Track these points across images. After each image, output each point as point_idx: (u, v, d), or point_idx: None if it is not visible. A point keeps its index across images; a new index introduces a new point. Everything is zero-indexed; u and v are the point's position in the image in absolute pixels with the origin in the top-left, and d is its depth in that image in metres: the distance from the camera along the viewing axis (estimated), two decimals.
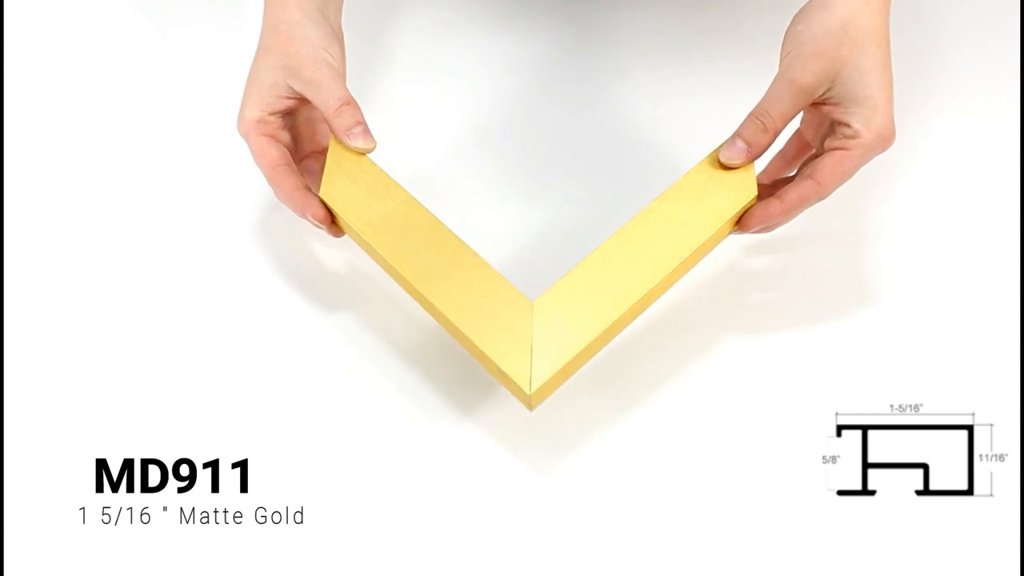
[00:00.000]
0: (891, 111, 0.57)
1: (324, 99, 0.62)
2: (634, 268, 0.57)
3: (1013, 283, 0.67)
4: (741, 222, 0.60)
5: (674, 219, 0.59)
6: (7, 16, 0.83)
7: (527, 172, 0.74)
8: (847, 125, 0.58)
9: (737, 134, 0.60)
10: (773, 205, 0.59)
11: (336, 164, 0.62)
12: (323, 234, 0.63)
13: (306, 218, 0.62)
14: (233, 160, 0.68)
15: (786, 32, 0.60)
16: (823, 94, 0.58)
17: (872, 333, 0.64)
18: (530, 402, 0.55)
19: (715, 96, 0.77)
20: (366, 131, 0.62)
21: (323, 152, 0.65)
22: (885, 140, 0.58)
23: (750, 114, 0.60)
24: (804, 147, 0.64)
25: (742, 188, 0.60)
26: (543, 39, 0.83)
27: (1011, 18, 0.84)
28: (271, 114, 0.63)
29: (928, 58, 0.82)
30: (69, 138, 0.76)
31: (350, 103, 0.62)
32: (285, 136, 0.65)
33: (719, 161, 0.60)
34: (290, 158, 0.64)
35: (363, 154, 0.63)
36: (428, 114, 0.78)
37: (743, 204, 0.59)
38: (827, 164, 0.58)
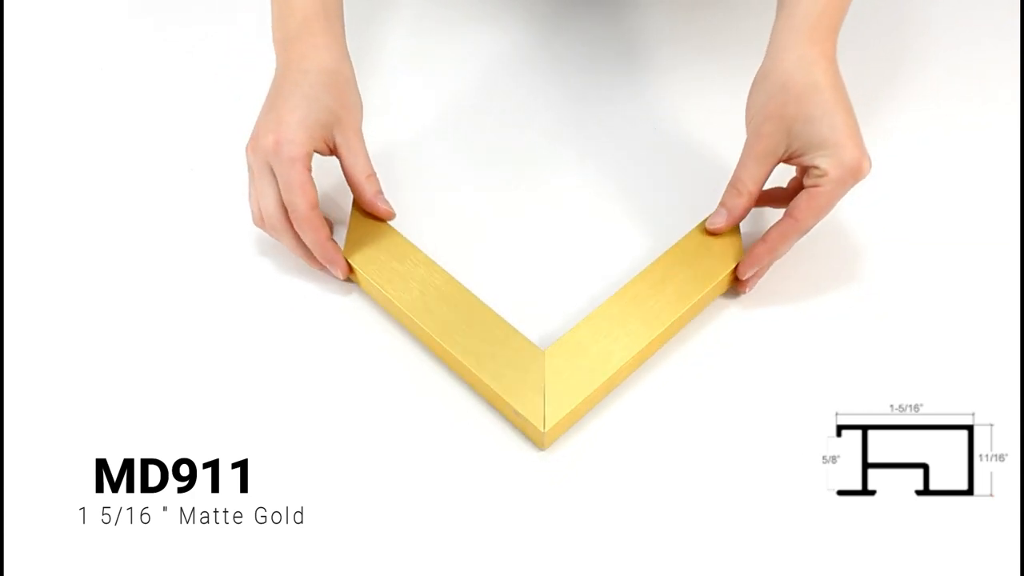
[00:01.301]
0: (858, 144, 0.60)
1: (358, 166, 0.66)
2: (634, 324, 0.62)
3: (1013, 284, 0.67)
4: (738, 271, 0.65)
5: (670, 281, 0.64)
6: (7, 16, 0.83)
7: (526, 180, 0.74)
8: (815, 167, 0.60)
9: (720, 204, 0.65)
10: (758, 247, 0.64)
11: (358, 228, 0.67)
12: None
13: (327, 269, 0.65)
14: (233, 160, 0.68)
15: (745, 106, 0.64)
16: (785, 152, 0.62)
17: (872, 333, 0.65)
18: (543, 440, 0.59)
19: (718, 94, 0.77)
20: (386, 200, 0.67)
21: None
22: (856, 172, 0.60)
23: (728, 184, 0.65)
24: (798, 186, 0.65)
25: (730, 252, 0.66)
26: (538, 36, 0.83)
27: (1011, 18, 0.85)
28: (310, 151, 0.63)
29: (929, 59, 0.82)
30: (69, 138, 0.76)
31: (375, 174, 0.67)
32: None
33: (706, 229, 0.66)
34: None
35: (385, 220, 0.67)
36: (422, 118, 0.78)
37: (731, 267, 0.65)
38: (802, 200, 0.61)
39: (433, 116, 0.78)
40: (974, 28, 0.84)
